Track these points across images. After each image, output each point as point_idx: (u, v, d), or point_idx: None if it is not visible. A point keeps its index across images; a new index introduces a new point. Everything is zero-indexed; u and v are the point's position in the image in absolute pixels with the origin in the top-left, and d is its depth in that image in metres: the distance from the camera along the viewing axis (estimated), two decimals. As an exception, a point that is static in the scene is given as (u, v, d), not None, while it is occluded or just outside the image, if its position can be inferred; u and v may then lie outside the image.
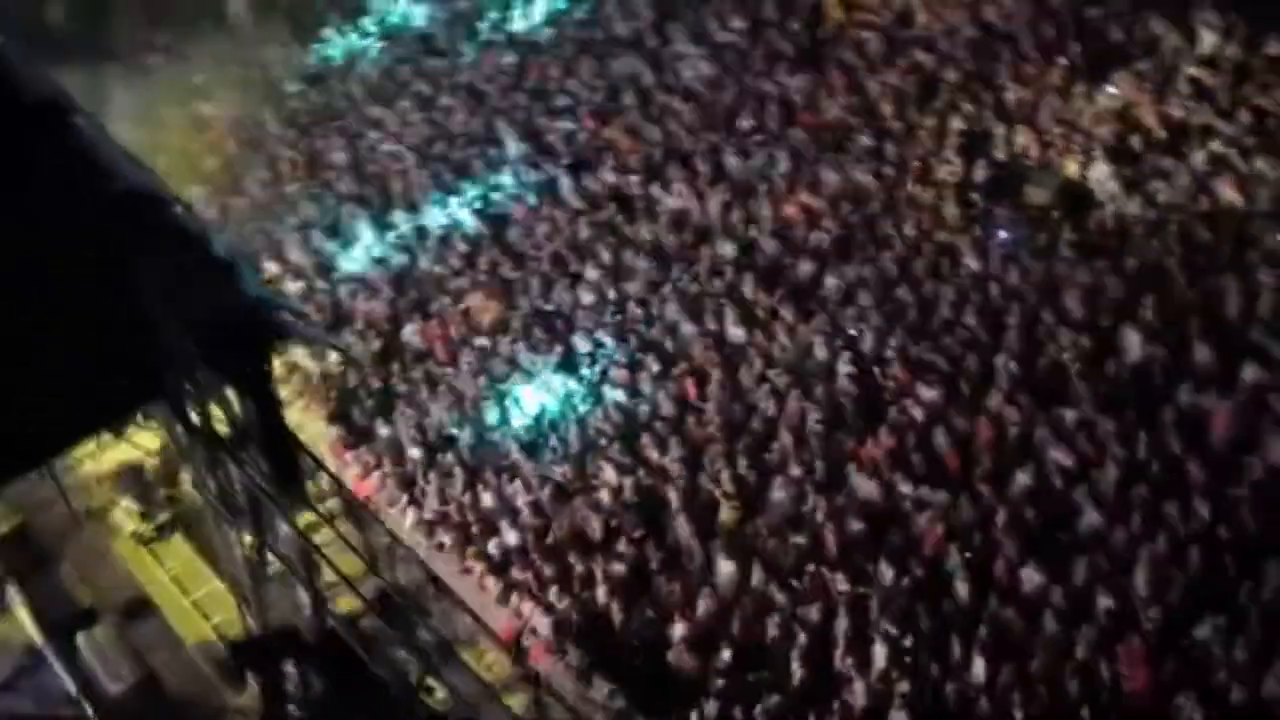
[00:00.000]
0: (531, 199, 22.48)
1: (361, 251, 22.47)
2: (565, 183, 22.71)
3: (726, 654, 14.78)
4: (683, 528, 16.38)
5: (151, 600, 17.56)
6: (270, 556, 13.67)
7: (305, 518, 13.30)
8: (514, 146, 23.85)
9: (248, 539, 13.42)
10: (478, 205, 22.58)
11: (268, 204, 24.50)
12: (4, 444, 8.56)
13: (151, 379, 9.89)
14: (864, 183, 21.39)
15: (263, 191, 24.90)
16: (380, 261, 22.05)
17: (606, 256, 20.90)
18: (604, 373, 18.86)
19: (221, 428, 12.37)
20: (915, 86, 23.40)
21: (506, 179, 23.10)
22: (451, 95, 25.91)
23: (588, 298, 20.21)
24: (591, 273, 20.62)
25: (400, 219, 22.87)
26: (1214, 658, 13.93)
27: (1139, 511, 15.46)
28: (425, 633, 13.21)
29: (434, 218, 22.71)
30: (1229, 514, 15.27)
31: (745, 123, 23.20)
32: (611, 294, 20.22)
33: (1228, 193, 20.16)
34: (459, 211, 22.50)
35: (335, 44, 28.20)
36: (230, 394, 11.38)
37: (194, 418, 12.11)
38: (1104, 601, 14.62)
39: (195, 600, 17.36)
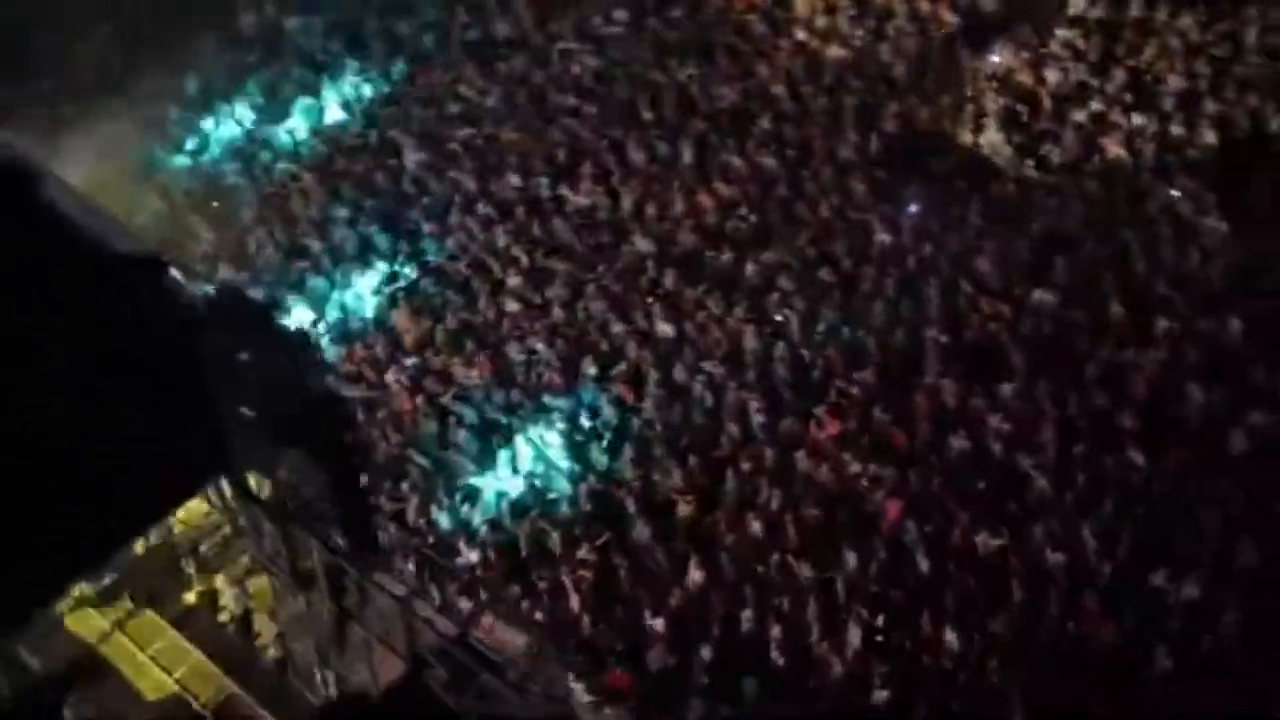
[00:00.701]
0: (439, 208, 22.13)
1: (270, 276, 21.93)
2: (472, 188, 22.42)
3: (706, 652, 14.85)
4: (642, 530, 16.39)
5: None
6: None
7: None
8: (413, 157, 23.48)
9: (328, 608, 13.02)
10: (386, 220, 22.14)
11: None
12: (67, 545, 8.15)
13: (212, 457, 9.47)
14: (770, 166, 21.54)
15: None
16: (294, 285, 21.53)
17: (525, 261, 20.73)
18: (540, 380, 18.72)
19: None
20: (803, 67, 23.67)
21: (411, 190, 22.72)
22: (341, 110, 25.37)
23: (512, 305, 20.03)
24: (513, 279, 20.44)
25: (308, 240, 22.35)
26: (1170, 606, 14.41)
27: (1081, 470, 15.92)
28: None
29: (341, 235, 22.22)
30: (1164, 463, 15.82)
31: (645, 115, 23.17)
32: (536, 299, 20.08)
33: (1114, 149, 20.81)
34: (367, 228, 22.03)
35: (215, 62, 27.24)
36: (301, 464, 11.02)
37: (259, 491, 11.75)
38: (1058, 559, 15.04)
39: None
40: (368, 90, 25.85)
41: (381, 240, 21.60)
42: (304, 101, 25.34)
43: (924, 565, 15.31)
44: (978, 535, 15.41)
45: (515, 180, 22.34)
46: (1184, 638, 14.11)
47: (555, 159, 22.72)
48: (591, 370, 18.60)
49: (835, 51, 23.83)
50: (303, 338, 10.42)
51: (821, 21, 24.66)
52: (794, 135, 22.12)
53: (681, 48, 24.63)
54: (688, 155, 22.07)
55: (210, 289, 10.89)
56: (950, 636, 14.51)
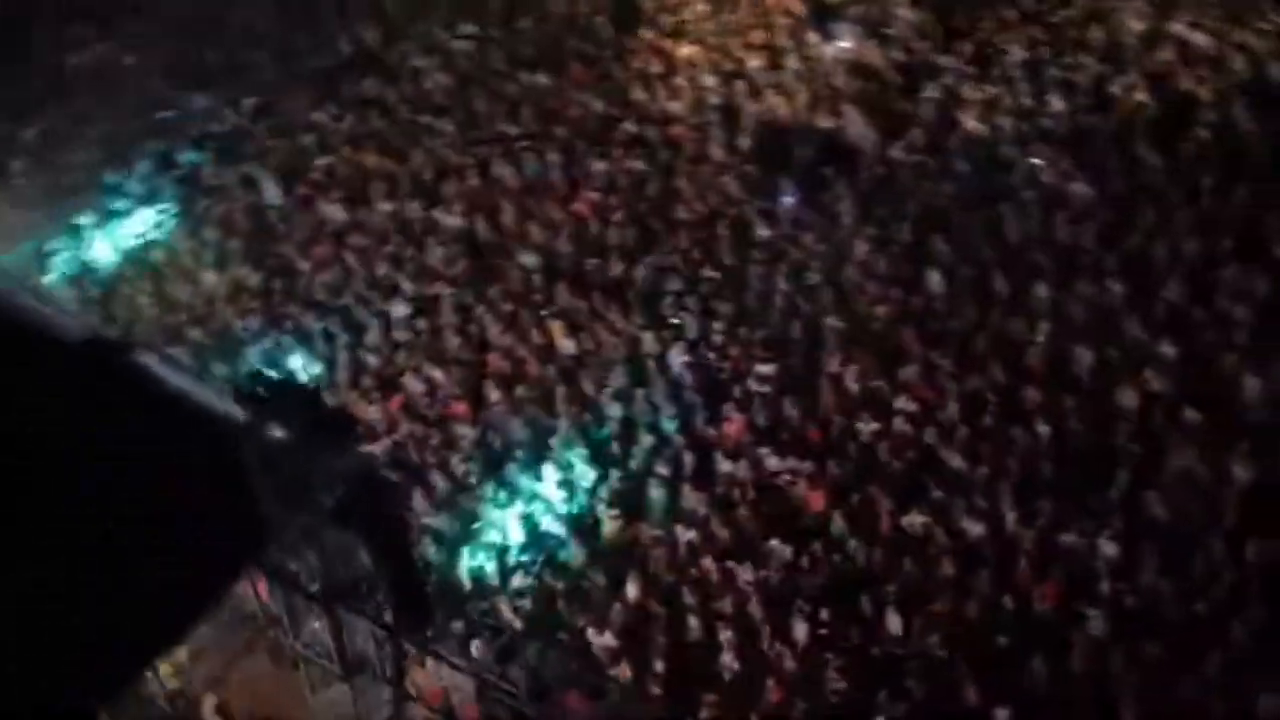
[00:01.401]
0: (315, 243, 21.47)
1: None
2: (340, 219, 21.81)
3: (659, 665, 14.74)
4: (574, 549, 16.18)
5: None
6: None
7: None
8: (273, 190, 22.72)
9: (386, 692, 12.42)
10: (261, 258, 21.40)
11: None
12: (110, 654, 7.57)
13: (244, 546, 8.89)
14: (640, 170, 21.44)
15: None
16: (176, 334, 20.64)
17: (409, 288, 20.25)
18: (445, 409, 18.32)
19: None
20: (657, 65, 23.63)
21: (280, 226, 21.99)
22: (193, 149, 24.37)
23: (403, 335, 19.55)
24: (399, 308, 19.94)
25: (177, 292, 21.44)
26: (1094, 565, 14.80)
27: (989, 441, 16.24)
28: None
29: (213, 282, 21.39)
30: (1066, 428, 16.24)
31: (506, 128, 22.84)
32: (423, 325, 19.63)
33: (971, 123, 21.26)
34: (240, 270, 21.24)
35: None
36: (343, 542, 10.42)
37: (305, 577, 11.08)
38: (978, 529, 15.32)
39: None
40: (216, 126, 24.96)
41: (254, 280, 20.87)
42: (152, 144, 24.31)
43: (857, 552, 15.42)
44: (904, 516, 15.59)
45: (385, 206, 21.81)
46: (1112, 596, 14.49)
47: (421, 180, 22.25)
48: (496, 394, 18.26)
49: (687, 50, 23.86)
50: (342, 413, 9.92)
51: (666, 18, 24.72)
52: (658, 136, 22.08)
53: (534, 57, 24.37)
54: (557, 165, 21.85)
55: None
56: (893, 620, 14.67)
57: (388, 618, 11.40)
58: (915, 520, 15.54)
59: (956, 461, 16.13)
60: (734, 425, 17.15)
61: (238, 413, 8.75)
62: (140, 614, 7.62)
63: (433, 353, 19.12)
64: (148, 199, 23.24)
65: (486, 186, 21.77)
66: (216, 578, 8.61)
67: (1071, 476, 15.71)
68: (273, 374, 11.65)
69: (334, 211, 21.91)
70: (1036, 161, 20.05)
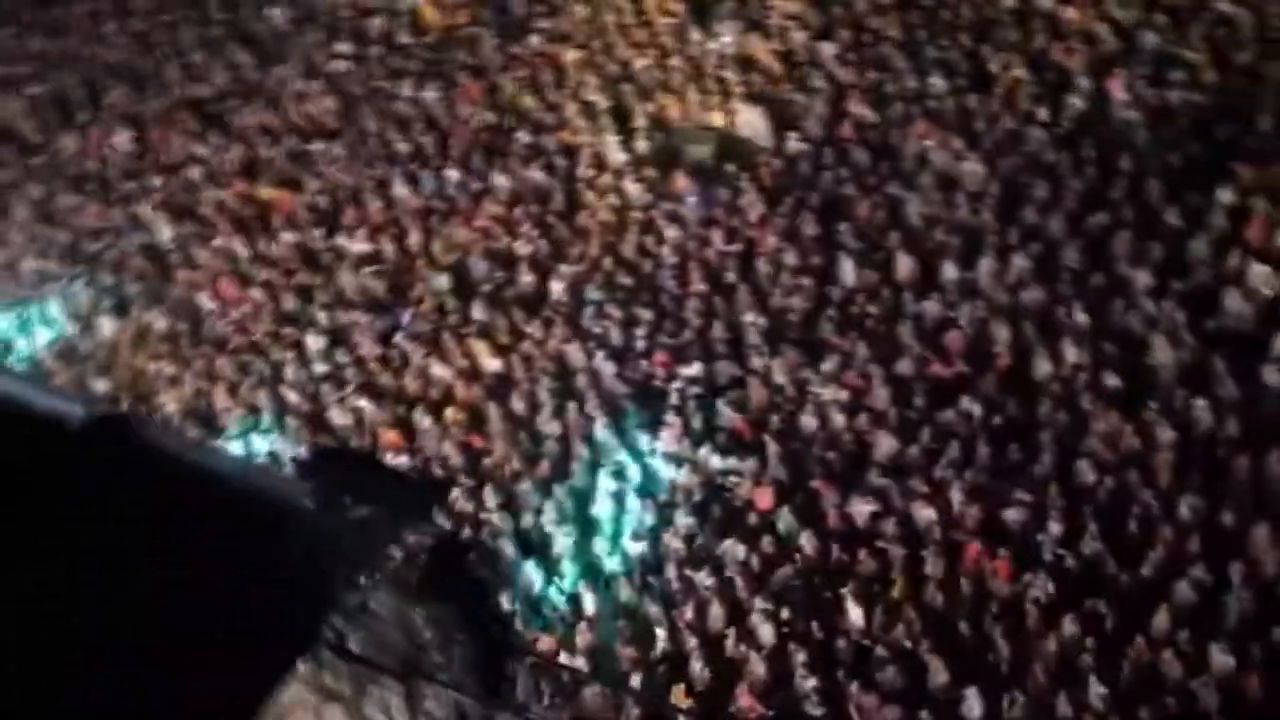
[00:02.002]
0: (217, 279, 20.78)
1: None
2: (242, 254, 21.15)
3: (635, 680, 14.62)
4: (531, 572, 15.96)
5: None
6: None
7: None
8: (168, 230, 21.93)
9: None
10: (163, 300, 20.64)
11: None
12: None
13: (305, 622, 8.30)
14: (541, 180, 21.18)
15: None
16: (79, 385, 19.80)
17: (323, 319, 19.73)
18: (375, 439, 17.90)
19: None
20: (545, 73, 23.35)
21: (179, 265, 21.22)
22: (71, 191, 23.38)
23: (321, 367, 19.05)
24: (314, 341, 19.40)
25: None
26: (1037, 540, 15.06)
27: (924, 425, 16.43)
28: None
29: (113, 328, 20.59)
30: (994, 406, 16.50)
31: (399, 147, 22.36)
32: (343, 357, 19.14)
33: (855, 109, 21.38)
34: (142, 314, 20.47)
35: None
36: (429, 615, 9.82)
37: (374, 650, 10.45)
38: (927, 514, 15.49)
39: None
40: (91, 165, 24.00)
41: (160, 324, 20.13)
42: (30, 190, 23.28)
43: (808, 547, 15.46)
44: (850, 506, 15.68)
45: (287, 237, 21.20)
46: (1057, 567, 14.76)
47: (319, 208, 21.69)
48: (426, 421, 17.90)
49: (572, 55, 23.61)
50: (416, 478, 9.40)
51: (546, 24, 24.42)
52: (555, 144, 21.83)
53: (419, 73, 23.89)
54: (455, 181, 21.47)
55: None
56: (854, 611, 14.76)
57: (468, 685, 10.94)
58: (863, 510, 15.63)
59: (893, 447, 16.27)
60: (670, 430, 17.06)
61: (289, 486, 8.34)
62: (205, 698, 7.19)
63: (356, 383, 18.66)
64: (27, 247, 22.32)
65: (388, 209, 21.29)
66: (281, 657, 8.18)
67: (1005, 452, 15.94)
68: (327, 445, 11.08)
69: (234, 246, 21.21)
70: (928, 143, 20.30)
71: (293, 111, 23.78)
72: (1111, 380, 16.30)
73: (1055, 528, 15.04)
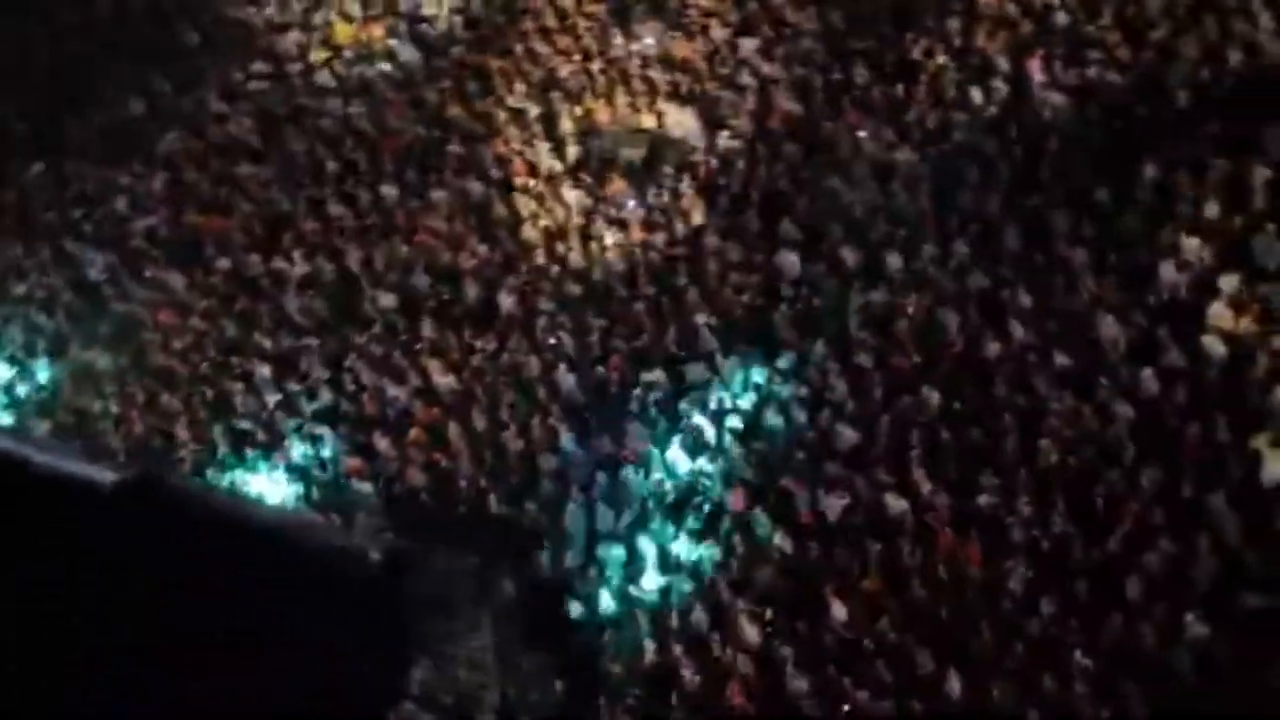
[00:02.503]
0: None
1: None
2: (178, 283, 20.53)
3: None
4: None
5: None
6: None
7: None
8: (99, 261, 21.20)
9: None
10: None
11: None
12: None
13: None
14: (477, 191, 20.84)
15: None
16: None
17: (269, 345, 19.23)
18: (338, 467, 17.50)
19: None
20: (471, 82, 22.96)
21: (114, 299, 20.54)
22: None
23: (273, 396, 18.57)
24: (263, 369, 18.91)
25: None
26: (1007, 521, 15.17)
27: (884, 416, 16.47)
28: None
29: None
30: (952, 391, 16.58)
31: (330, 165, 21.85)
32: (295, 385, 18.68)
33: (788, 105, 21.33)
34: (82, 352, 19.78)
35: None
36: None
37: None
38: (899, 504, 15.55)
39: None
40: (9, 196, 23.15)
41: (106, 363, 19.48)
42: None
43: (785, 545, 15.43)
44: (823, 502, 15.67)
45: (223, 263, 20.62)
46: (1029, 549, 14.88)
47: (254, 232, 21.13)
48: (385, 443, 17.55)
49: (495, 62, 23.24)
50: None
51: (467, 34, 24.00)
52: (488, 155, 21.48)
53: (341, 89, 23.36)
54: (391, 198, 21.05)
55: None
56: (837, 608, 14.76)
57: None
58: (835, 505, 15.63)
59: (856, 440, 16.28)
60: (636, 439, 16.91)
61: (343, 538, 8.06)
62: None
63: (309, 411, 18.23)
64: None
65: (324, 229, 20.81)
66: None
67: (968, 436, 16.03)
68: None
69: (169, 276, 20.57)
70: (860, 134, 20.32)
71: (216, 134, 23.11)
72: (1061, 359, 16.45)
73: (1023, 509, 15.14)
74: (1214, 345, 16.31)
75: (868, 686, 13.95)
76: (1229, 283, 16.40)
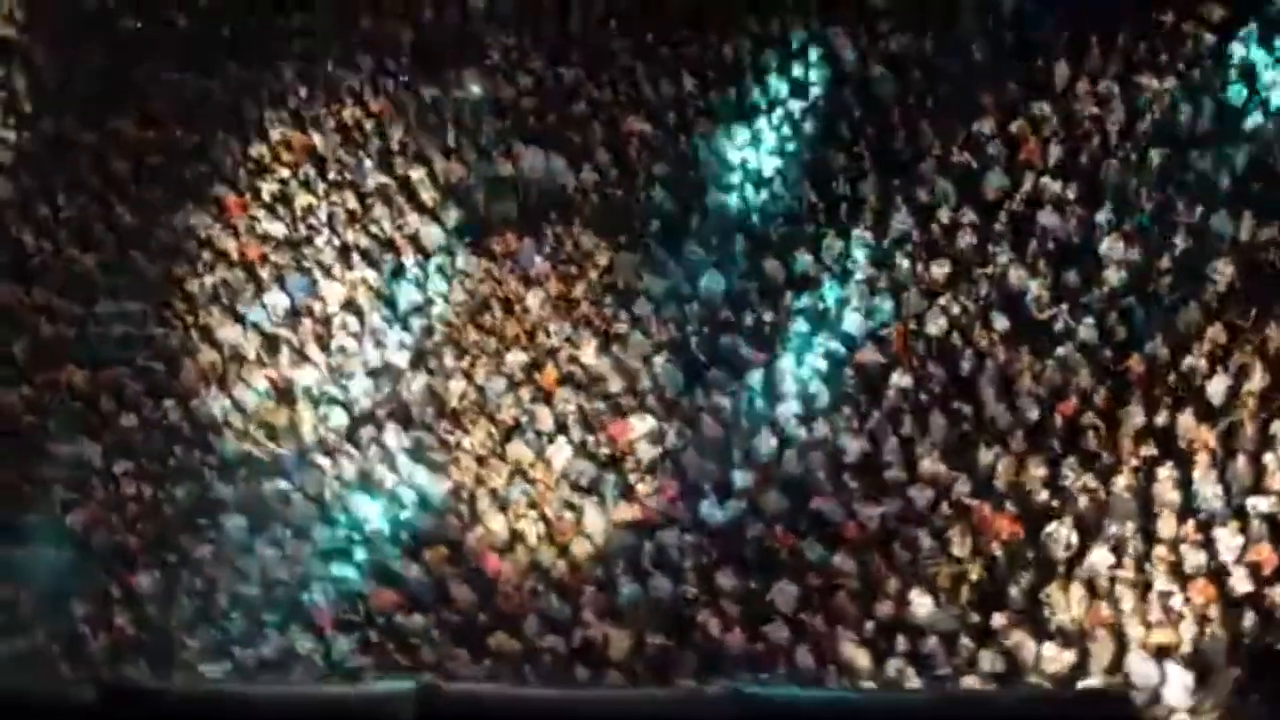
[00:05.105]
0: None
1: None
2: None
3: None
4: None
5: None
6: None
7: None
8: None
9: None
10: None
11: None
12: None
13: None
14: (370, 280, 19.00)
15: None
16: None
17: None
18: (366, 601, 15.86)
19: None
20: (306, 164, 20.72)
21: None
22: None
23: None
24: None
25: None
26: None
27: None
28: None
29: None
30: (917, 371, 16.77)
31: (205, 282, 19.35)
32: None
33: (637, 125, 20.26)
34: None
35: None
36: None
37: None
38: (928, 495, 15.61)
39: None
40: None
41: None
42: None
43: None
44: (858, 513, 15.49)
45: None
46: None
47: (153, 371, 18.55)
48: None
49: (316, 139, 20.93)
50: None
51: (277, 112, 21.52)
52: (365, 240, 19.58)
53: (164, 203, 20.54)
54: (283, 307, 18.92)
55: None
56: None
57: None
58: (872, 511, 15.53)
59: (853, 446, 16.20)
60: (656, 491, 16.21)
61: None
62: None
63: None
64: None
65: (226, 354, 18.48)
66: None
67: (952, 412, 16.26)
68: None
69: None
70: (715, 142, 19.80)
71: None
72: (1001, 322, 16.88)
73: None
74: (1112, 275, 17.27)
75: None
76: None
